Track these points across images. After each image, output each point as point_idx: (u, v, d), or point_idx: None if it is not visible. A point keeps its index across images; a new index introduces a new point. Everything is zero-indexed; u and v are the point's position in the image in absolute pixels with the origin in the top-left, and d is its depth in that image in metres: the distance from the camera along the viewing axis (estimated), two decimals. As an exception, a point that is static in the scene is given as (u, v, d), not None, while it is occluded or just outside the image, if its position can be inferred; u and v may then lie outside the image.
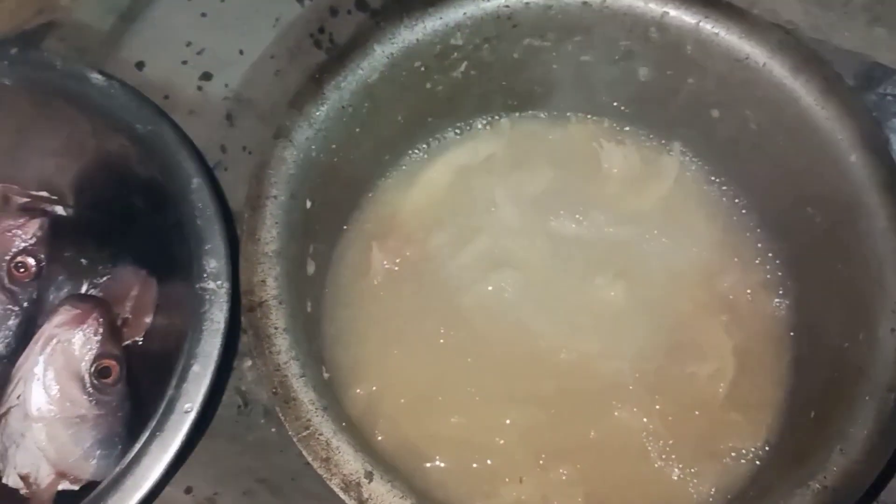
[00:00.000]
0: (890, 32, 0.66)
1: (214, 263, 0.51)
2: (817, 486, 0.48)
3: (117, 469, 0.47)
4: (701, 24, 0.59)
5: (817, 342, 0.59)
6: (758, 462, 0.58)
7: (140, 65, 0.70)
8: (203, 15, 0.72)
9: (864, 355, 0.52)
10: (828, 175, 0.57)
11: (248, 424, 0.63)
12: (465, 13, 0.59)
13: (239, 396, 0.64)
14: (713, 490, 0.57)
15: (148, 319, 0.59)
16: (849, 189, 0.55)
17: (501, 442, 0.59)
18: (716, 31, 0.58)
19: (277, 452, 0.62)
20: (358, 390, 0.60)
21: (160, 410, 0.48)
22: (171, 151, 0.54)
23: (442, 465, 0.58)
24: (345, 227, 0.65)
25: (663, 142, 0.68)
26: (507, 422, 0.59)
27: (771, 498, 0.50)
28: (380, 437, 0.58)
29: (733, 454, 0.58)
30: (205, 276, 0.51)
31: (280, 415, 0.49)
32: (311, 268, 0.58)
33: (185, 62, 0.70)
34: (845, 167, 0.56)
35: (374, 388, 0.60)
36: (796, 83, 0.57)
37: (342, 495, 0.47)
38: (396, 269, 0.64)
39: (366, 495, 0.47)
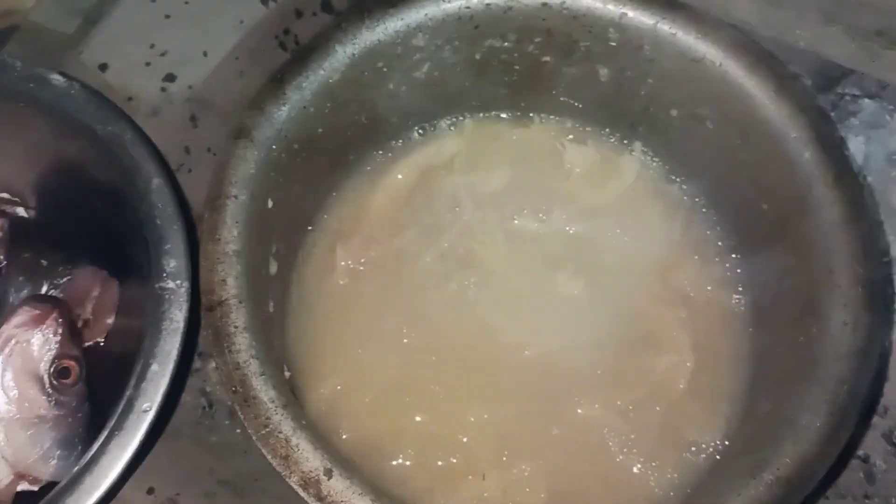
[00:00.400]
0: (842, 30, 0.67)
1: (174, 263, 0.51)
2: (770, 477, 0.49)
3: (76, 468, 0.47)
4: (658, 24, 0.59)
5: (773, 336, 0.60)
6: (717, 455, 0.58)
7: (103, 67, 0.70)
8: (167, 17, 0.72)
9: (817, 348, 0.53)
10: (782, 172, 0.58)
11: (212, 426, 0.63)
12: (426, 14, 0.60)
13: (203, 398, 0.64)
14: (674, 483, 0.58)
15: (109, 321, 0.59)
16: (802, 185, 0.56)
17: (465, 439, 0.59)
18: (673, 31, 0.59)
19: (241, 454, 0.62)
20: (322, 389, 0.60)
21: (119, 410, 0.48)
22: (131, 152, 0.54)
23: (406, 462, 0.58)
24: (309, 228, 0.65)
25: (624, 141, 0.68)
26: (471, 419, 0.60)
27: (726, 489, 0.50)
28: (344, 436, 0.59)
29: (693, 447, 0.59)
30: (164, 275, 0.51)
31: (239, 413, 0.49)
32: (273, 268, 0.59)
33: (148, 64, 0.70)
34: (798, 164, 0.57)
35: (339, 386, 0.60)
36: (751, 82, 0.58)
37: (301, 493, 0.48)
38: (361, 268, 0.64)
39: (325, 492, 0.47)
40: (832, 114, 0.70)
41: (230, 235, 0.52)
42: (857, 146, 0.70)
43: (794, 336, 0.56)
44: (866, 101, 0.71)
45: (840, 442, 0.50)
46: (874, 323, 0.51)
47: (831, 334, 0.52)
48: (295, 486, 0.48)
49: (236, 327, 0.50)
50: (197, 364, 0.64)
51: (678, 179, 0.67)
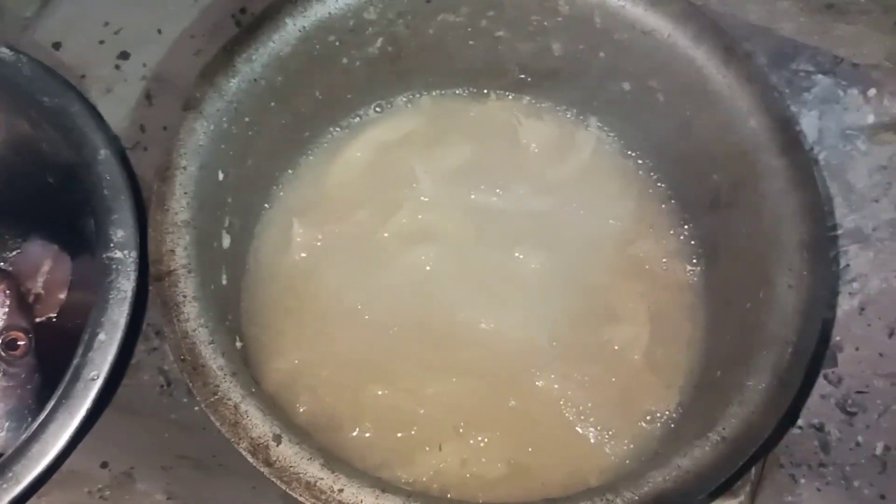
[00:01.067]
0: (792, 4, 0.67)
1: (121, 233, 0.51)
2: (716, 437, 0.50)
3: (23, 437, 0.47)
4: (607, -4, 0.60)
5: (726, 305, 0.60)
6: (671, 424, 0.59)
7: (57, 45, 0.70)
8: (121, -6, 0.72)
9: (764, 312, 0.53)
10: (730, 141, 0.58)
11: (170, 404, 0.63)
12: (377, -13, 0.60)
13: (162, 376, 0.64)
14: (630, 451, 0.58)
15: (62, 296, 0.59)
16: (750, 153, 0.57)
17: (422, 411, 0.59)
18: (622, 3, 0.60)
19: (200, 430, 0.61)
20: (280, 363, 0.60)
21: (66, 379, 0.48)
22: (79, 124, 0.53)
23: (364, 434, 0.58)
24: (266, 204, 0.65)
25: (580, 116, 0.69)
26: (429, 392, 0.60)
27: (674, 449, 0.51)
28: (301, 409, 0.59)
29: (648, 417, 0.60)
30: (111, 245, 0.51)
31: (188, 381, 0.49)
32: (226, 241, 0.58)
33: (102, 42, 0.70)
34: (746, 132, 0.57)
35: (296, 361, 0.61)
36: (698, 52, 0.59)
37: (250, 459, 0.48)
38: (318, 244, 0.65)
39: (273, 458, 0.47)
40: (786, 90, 0.71)
41: (179, 206, 0.52)
42: (811, 122, 0.70)
43: (743, 303, 0.57)
44: (820, 76, 0.71)
45: (785, 402, 0.51)
46: (816, 285, 0.52)
47: (777, 298, 0.53)
48: (244, 453, 0.48)
49: (185, 296, 0.50)
50: (155, 343, 0.64)
51: (633, 154, 0.68)
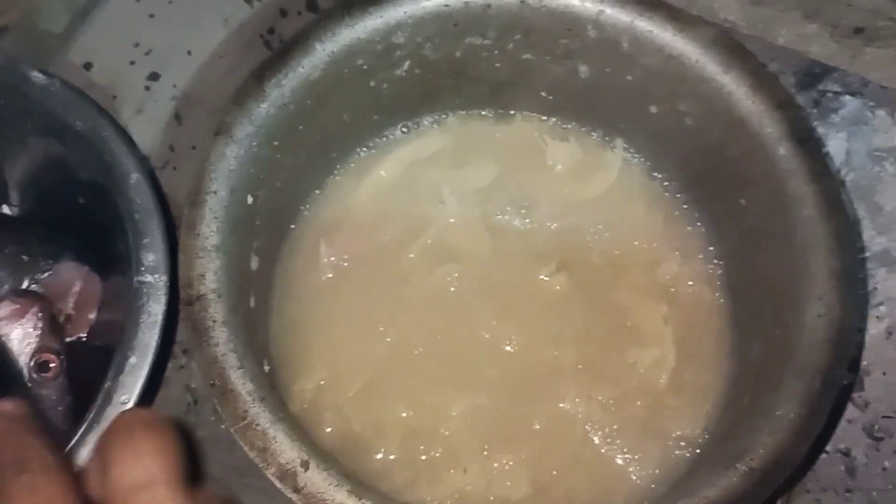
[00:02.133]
0: (822, 28, 0.67)
1: (152, 257, 0.52)
2: (744, 467, 0.49)
3: (55, 461, 0.47)
4: (635, 21, 0.60)
5: (753, 330, 0.60)
6: (698, 449, 0.59)
7: (88, 66, 0.71)
8: (151, 16, 0.73)
9: (793, 340, 0.53)
10: (759, 167, 0.58)
11: (197, 422, 0.63)
12: (405, 12, 0.60)
13: (189, 394, 0.64)
14: (656, 475, 0.58)
15: (92, 316, 0.60)
16: (778, 180, 0.57)
17: (447, 432, 0.59)
18: (650, 28, 0.60)
19: (226, 449, 0.62)
20: (305, 384, 0.61)
21: (97, 402, 0.49)
22: (110, 147, 0.54)
23: (389, 456, 0.59)
24: (292, 225, 0.66)
25: (606, 138, 0.69)
26: (453, 413, 0.60)
27: (704, 480, 0.51)
28: (327, 429, 0.59)
29: (674, 441, 0.59)
30: (143, 269, 0.51)
31: (217, 406, 0.49)
32: (254, 263, 0.59)
33: (132, 63, 0.71)
34: (775, 159, 0.57)
35: (322, 381, 0.61)
36: (727, 78, 0.58)
37: (278, 484, 0.48)
38: (345, 264, 0.65)
39: (301, 484, 0.48)
40: (814, 111, 0.71)
41: (209, 230, 0.53)
42: (838, 143, 0.70)
43: (771, 329, 0.57)
44: (848, 98, 0.71)
45: (814, 431, 0.50)
46: (847, 314, 0.52)
47: (807, 326, 0.53)
48: (272, 478, 0.48)
49: (214, 321, 0.51)
50: (182, 361, 0.64)
51: (660, 176, 0.68)
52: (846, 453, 0.62)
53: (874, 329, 0.65)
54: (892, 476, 0.61)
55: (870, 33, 0.67)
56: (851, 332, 0.52)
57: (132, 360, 0.50)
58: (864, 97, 0.70)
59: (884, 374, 0.64)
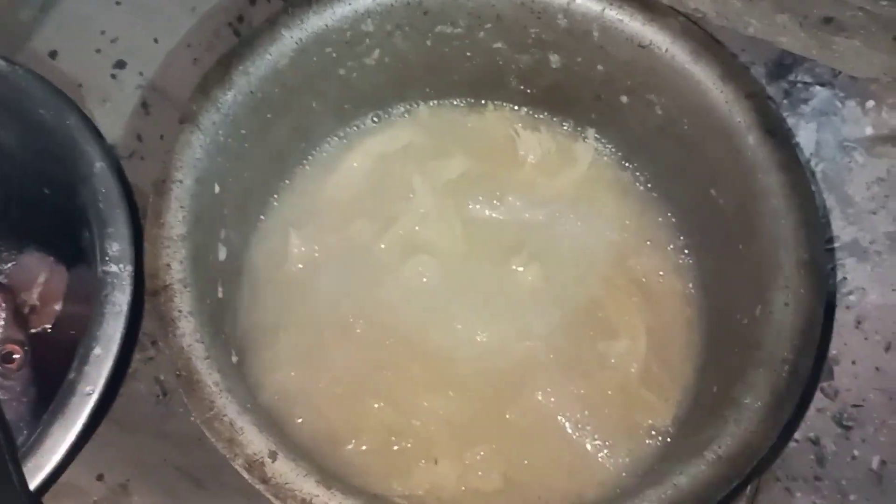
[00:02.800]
0: (791, 18, 0.67)
1: (117, 247, 0.51)
2: (712, 455, 0.49)
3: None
4: (605, 11, 0.60)
5: (723, 321, 0.60)
6: (668, 438, 0.59)
7: (53, 54, 0.70)
8: (117, 3, 0.71)
9: (760, 330, 0.53)
10: (729, 157, 0.58)
11: (166, 414, 0.62)
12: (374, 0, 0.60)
13: (158, 386, 0.63)
14: (627, 465, 0.58)
15: (57, 307, 0.59)
16: (748, 170, 0.57)
17: (419, 424, 0.59)
18: (620, 17, 0.60)
19: (196, 441, 0.61)
20: (276, 376, 0.60)
21: (61, 393, 0.48)
22: (74, 136, 0.53)
23: (361, 448, 0.58)
24: (262, 216, 0.65)
25: (578, 129, 0.69)
26: (425, 405, 0.60)
27: (673, 469, 0.51)
28: (299, 421, 0.59)
29: (645, 430, 0.59)
30: (107, 259, 0.50)
31: (184, 397, 0.49)
32: (222, 253, 0.58)
33: (98, 51, 0.70)
34: (743, 149, 0.57)
35: (293, 374, 0.60)
36: (696, 68, 0.58)
37: (245, 475, 0.48)
38: (316, 255, 0.64)
39: (269, 474, 0.47)
40: (785, 101, 0.71)
41: (175, 220, 0.52)
42: (809, 134, 0.70)
43: (740, 319, 0.57)
44: (818, 88, 0.71)
45: (781, 420, 0.51)
46: (814, 303, 0.52)
47: (774, 316, 0.53)
48: (239, 469, 0.48)
49: (181, 311, 0.50)
50: (151, 352, 0.64)
51: (631, 166, 0.68)
52: (816, 442, 0.63)
53: (843, 318, 0.65)
54: (861, 464, 0.61)
55: (839, 23, 0.67)
56: (818, 321, 0.53)
57: (96, 350, 0.49)
58: (835, 88, 0.71)
59: (853, 363, 0.64)
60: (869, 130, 0.70)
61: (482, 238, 0.65)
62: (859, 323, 0.65)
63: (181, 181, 0.53)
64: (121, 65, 0.70)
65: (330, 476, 0.49)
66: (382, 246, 0.64)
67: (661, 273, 0.64)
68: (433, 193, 0.66)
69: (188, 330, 0.50)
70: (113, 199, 0.53)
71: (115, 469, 0.59)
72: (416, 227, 0.65)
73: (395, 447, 0.58)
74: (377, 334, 0.62)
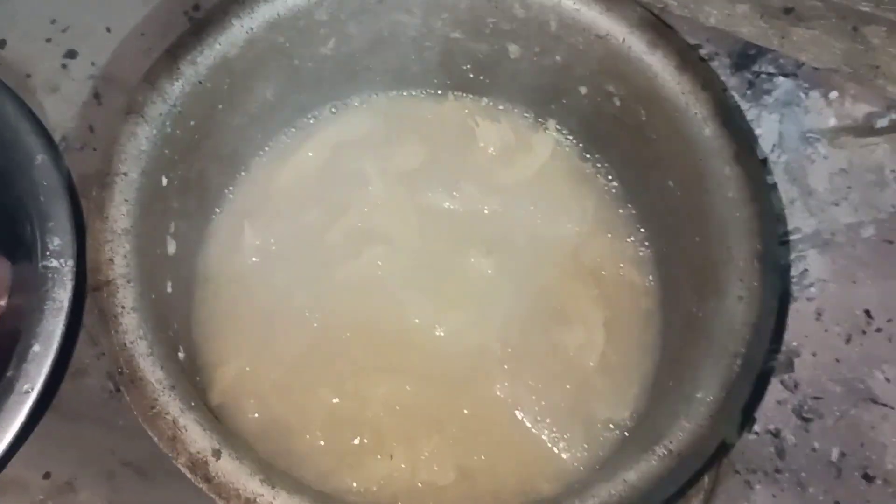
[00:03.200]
0: (752, 8, 0.67)
1: (58, 241, 0.50)
2: (663, 450, 0.49)
3: (-47, 453, 0.46)
4: (562, 0, 0.59)
5: (680, 314, 0.60)
6: (626, 431, 0.59)
7: (1, 44, 0.68)
8: (69, -10, 0.70)
9: (713, 323, 0.53)
10: (685, 149, 0.58)
11: (119, 409, 0.61)
12: (327, -13, 0.59)
13: (110, 381, 0.62)
14: (584, 458, 0.58)
15: (2, 302, 0.57)
16: (703, 161, 0.57)
17: (372, 416, 0.59)
18: (576, 7, 0.59)
19: (146, 436, 0.60)
20: (228, 369, 0.59)
21: (-2, 392, 0.47)
22: (14, 126, 0.52)
23: (316, 441, 0.58)
24: (217, 208, 0.64)
25: (538, 119, 0.68)
26: (380, 396, 0.59)
27: (622, 463, 0.50)
28: (252, 416, 0.58)
29: (603, 424, 0.59)
30: (48, 254, 0.49)
31: (126, 395, 0.48)
32: (171, 247, 0.57)
33: (48, 40, 0.68)
34: (700, 140, 0.57)
35: (246, 367, 0.60)
36: (653, 58, 0.58)
37: (189, 475, 0.47)
38: (272, 248, 0.64)
39: (213, 473, 0.47)
40: (748, 92, 0.70)
41: (118, 213, 0.51)
42: (771, 125, 0.70)
43: (695, 312, 0.56)
44: (781, 79, 0.71)
45: (733, 415, 0.50)
46: (767, 297, 0.52)
47: (727, 309, 0.53)
48: (182, 469, 0.47)
49: (123, 307, 0.49)
50: (102, 348, 0.62)
51: (591, 157, 0.67)
52: (775, 434, 0.62)
53: (804, 310, 0.65)
54: (821, 456, 0.61)
55: (799, 13, 0.67)
56: (772, 314, 0.52)
57: (35, 347, 0.48)
58: (798, 78, 0.70)
59: (814, 354, 0.64)
60: (832, 121, 0.69)
61: (438, 229, 0.65)
62: (820, 315, 0.65)
63: (125, 174, 0.52)
64: (72, 54, 0.68)
65: (278, 473, 0.48)
66: (337, 237, 0.64)
67: (620, 265, 0.64)
68: (389, 184, 0.66)
69: (131, 326, 0.49)
70: (54, 192, 0.51)
71: (63, 466, 0.58)
72: (371, 218, 0.65)
73: (349, 440, 0.58)
74: (330, 325, 0.61)
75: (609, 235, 0.65)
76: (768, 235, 0.54)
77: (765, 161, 0.65)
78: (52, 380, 0.48)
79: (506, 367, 0.60)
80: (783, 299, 0.62)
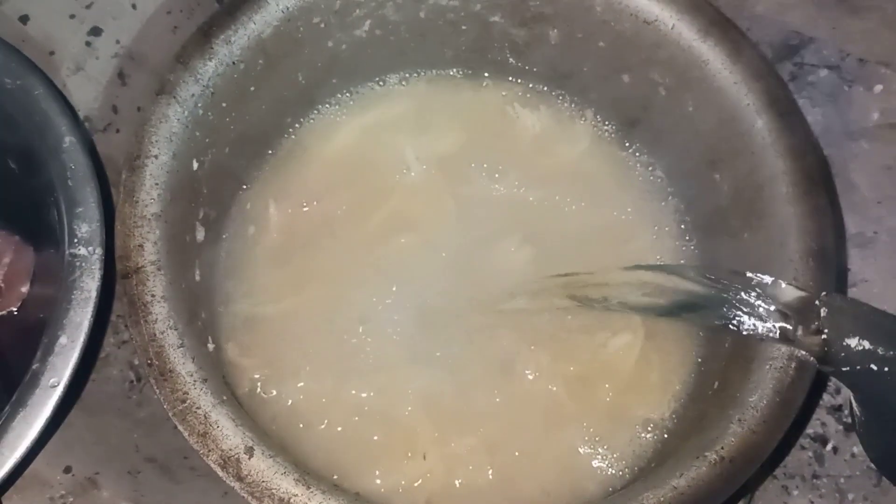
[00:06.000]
0: (800, -4, 0.65)
1: (86, 228, 0.48)
2: (714, 456, 0.47)
3: (-23, 446, 0.44)
4: (610, -16, 0.57)
5: (725, 312, 0.57)
6: (665, 433, 0.57)
7: (24, 19, 0.66)
8: (94, -35, 0.68)
9: (766, 323, 0.51)
10: (734, 140, 0.56)
11: (140, 400, 0.60)
12: (365, -32, 0.57)
13: (132, 371, 0.61)
14: (622, 461, 0.56)
15: (24, 289, 0.56)
16: (754, 154, 0.54)
17: (405, 412, 0.57)
18: (625, -10, 0.57)
19: (170, 429, 0.58)
20: (257, 362, 0.57)
21: (23, 385, 0.45)
22: (42, 108, 0.50)
23: (343, 437, 0.56)
24: (244, 188, 0.62)
25: (577, 107, 0.66)
26: (410, 391, 0.57)
27: (671, 468, 0.48)
28: (280, 410, 0.56)
29: (641, 424, 0.57)
30: (76, 241, 0.47)
31: (155, 388, 0.46)
32: (200, 234, 0.55)
33: (73, 16, 0.66)
34: (752, 132, 0.55)
35: (273, 359, 0.57)
36: (704, 46, 0.56)
37: (220, 472, 0.45)
38: (298, 233, 0.61)
39: (245, 472, 0.45)
40: (790, 84, 0.68)
41: (149, 198, 0.49)
42: (814, 118, 0.68)
43: (743, 311, 0.54)
44: (825, 71, 0.69)
45: (787, 420, 0.48)
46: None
47: (781, 308, 0.50)
48: (213, 466, 0.45)
49: (153, 296, 0.47)
50: (125, 336, 0.61)
51: (632, 147, 0.65)
52: (815, 439, 0.61)
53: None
54: (859, 463, 0.60)
55: (853, 3, 0.64)
56: (827, 316, 0.50)
57: (62, 340, 0.46)
58: (842, 71, 0.68)
59: (855, 356, 0.62)
60: (876, 116, 0.67)
61: (474, 216, 0.62)
62: (863, 316, 0.62)
63: (156, 157, 0.50)
64: (96, 32, 0.66)
65: (309, 473, 0.46)
66: (370, 220, 0.62)
67: (660, 258, 0.62)
68: (425, 168, 0.64)
69: (161, 316, 0.47)
70: (83, 177, 0.49)
71: (85, 461, 0.56)
72: (406, 203, 0.62)
73: (377, 437, 0.56)
74: (361, 314, 0.59)
75: (649, 228, 0.63)
76: (824, 233, 0.51)
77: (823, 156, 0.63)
78: (79, 374, 0.46)
79: (542, 363, 0.58)
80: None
